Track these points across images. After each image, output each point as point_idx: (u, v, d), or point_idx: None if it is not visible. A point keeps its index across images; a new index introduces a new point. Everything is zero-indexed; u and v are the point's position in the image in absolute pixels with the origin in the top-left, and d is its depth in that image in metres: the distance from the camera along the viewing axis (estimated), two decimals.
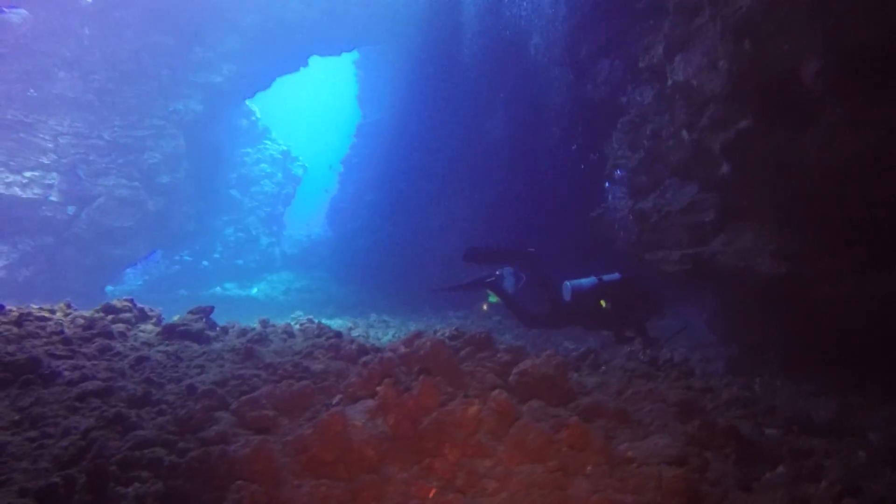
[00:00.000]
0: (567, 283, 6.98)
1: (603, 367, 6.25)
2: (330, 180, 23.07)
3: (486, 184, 18.01)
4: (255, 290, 19.35)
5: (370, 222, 19.51)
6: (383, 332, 11.26)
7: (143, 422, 2.73)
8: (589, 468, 2.40)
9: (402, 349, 3.61)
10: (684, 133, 6.40)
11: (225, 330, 4.95)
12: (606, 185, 10.26)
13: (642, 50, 7.26)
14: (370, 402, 2.66)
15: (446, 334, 5.14)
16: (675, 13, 5.88)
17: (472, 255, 7.33)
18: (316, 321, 9.54)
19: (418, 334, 3.90)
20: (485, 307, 16.05)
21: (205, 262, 19.91)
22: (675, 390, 4.30)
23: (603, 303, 6.71)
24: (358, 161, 20.16)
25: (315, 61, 19.39)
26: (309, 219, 27.09)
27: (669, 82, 6.22)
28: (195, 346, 3.97)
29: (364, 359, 3.23)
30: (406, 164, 18.47)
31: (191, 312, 4.78)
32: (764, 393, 5.41)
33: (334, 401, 2.83)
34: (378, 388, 2.70)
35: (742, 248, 6.72)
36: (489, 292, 14.90)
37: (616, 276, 7.01)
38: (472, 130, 17.60)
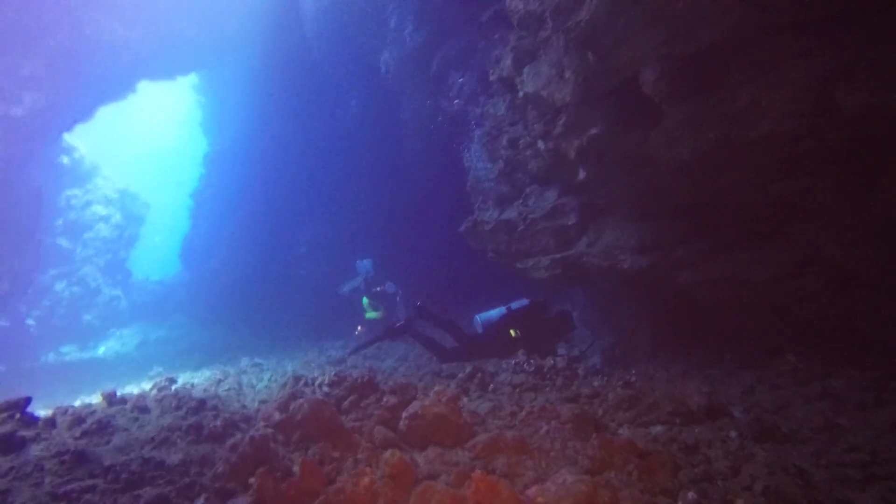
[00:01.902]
0: (477, 316, 7.17)
1: (491, 386, 6.16)
2: (179, 217, 21.13)
3: (350, 202, 17.60)
4: (101, 350, 17.03)
5: (230, 258, 18.13)
6: (258, 377, 10.31)
7: None
8: None
9: (277, 416, 3.15)
10: (540, 143, 6.57)
11: (51, 422, 4.02)
12: (470, 196, 10.39)
13: (492, 62, 7.38)
14: (243, 501, 2.20)
15: (325, 381, 4.71)
16: (519, 27, 6.01)
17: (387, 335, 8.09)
18: (177, 380, 8.50)
19: (293, 395, 3.44)
20: (360, 329, 15.52)
21: (30, 322, 17.02)
22: (566, 405, 4.28)
23: (512, 332, 6.86)
24: (210, 193, 18.65)
25: (151, 87, 17.60)
26: (162, 259, 24.61)
27: (521, 94, 6.36)
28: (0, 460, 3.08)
29: (232, 440, 2.72)
30: (262, 191, 17.44)
31: None
32: (642, 385, 5.64)
33: (199, 503, 2.31)
34: (251, 480, 2.25)
35: (605, 247, 7.07)
36: (366, 310, 14.51)
37: (524, 301, 7.24)
38: (328, 148, 17.10)
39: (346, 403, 3.79)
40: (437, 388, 3.80)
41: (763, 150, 4.60)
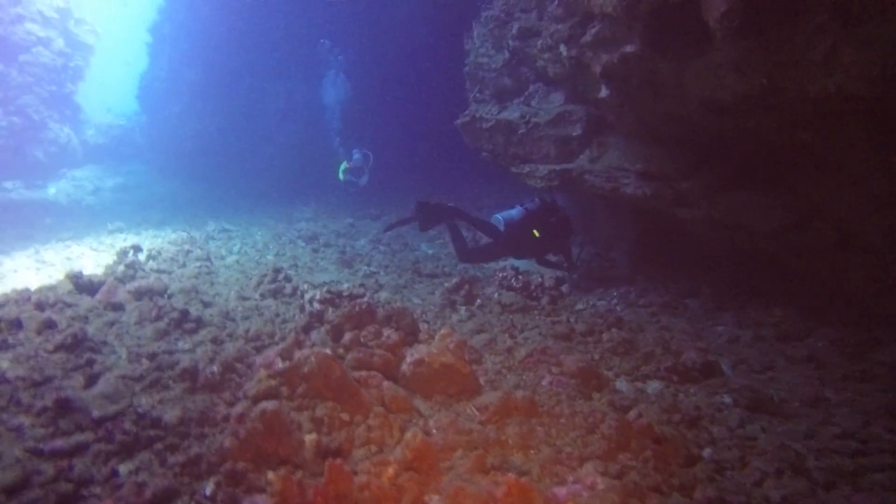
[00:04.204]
0: (498, 216, 6.81)
1: (478, 301, 6.11)
2: (136, 51, 18.97)
3: (330, 63, 16.21)
4: (52, 191, 16.03)
5: (193, 106, 16.74)
6: (226, 246, 10.00)
7: None
8: None
9: (280, 364, 2.92)
10: (563, 48, 5.88)
11: (16, 322, 3.68)
12: (466, 80, 9.57)
13: None
14: (261, 502, 2.02)
15: (316, 297, 4.47)
16: None
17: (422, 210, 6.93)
18: (142, 248, 8.08)
19: (297, 341, 3.19)
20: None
21: None
22: (567, 353, 4.23)
23: (536, 232, 6.61)
24: (171, 30, 16.63)
25: None
26: (118, 98, 22.52)
27: None
28: None
29: (238, 410, 2.46)
30: (232, 34, 15.67)
31: None
32: (630, 320, 5.68)
33: (207, 491, 2.11)
34: (271, 476, 2.06)
35: (608, 167, 6.72)
36: (340, 171, 13.97)
37: (535, 201, 6.93)
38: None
39: (345, 338, 3.59)
40: (442, 330, 3.62)
41: (813, 103, 4.20)
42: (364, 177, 13.87)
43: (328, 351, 2.91)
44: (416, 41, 13.76)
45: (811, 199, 5.41)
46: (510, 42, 8.05)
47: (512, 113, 7.83)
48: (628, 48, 5.03)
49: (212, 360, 2.94)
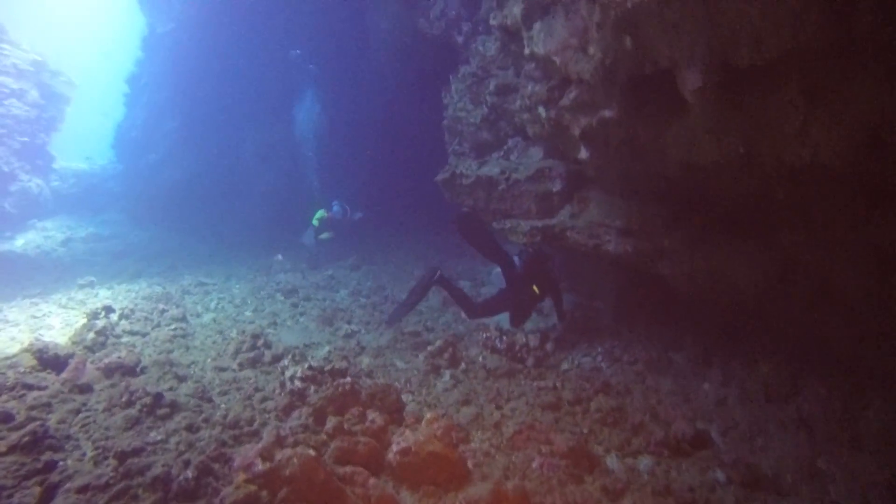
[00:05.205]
0: (499, 270, 6.82)
1: (463, 364, 5.99)
2: (113, 102, 18.89)
3: (308, 108, 16.35)
4: (20, 243, 15.59)
5: (171, 155, 16.63)
6: (203, 302, 9.73)
7: None
8: None
9: (259, 465, 2.76)
10: (541, 109, 5.97)
11: None
12: (444, 132, 9.67)
13: (494, 5, 6.50)
14: None
15: (298, 374, 4.32)
16: None
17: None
18: (115, 309, 7.86)
19: (279, 438, 3.04)
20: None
21: None
22: (556, 431, 4.12)
23: (536, 289, 6.66)
24: (148, 81, 16.64)
25: None
26: (94, 147, 22.28)
27: (527, 51, 5.64)
28: None
29: None
30: (210, 85, 15.72)
31: None
32: (614, 376, 5.59)
33: None
34: None
35: (589, 223, 6.75)
36: (315, 218, 13.87)
37: (528, 251, 7.00)
38: (288, 44, 15.48)
39: (329, 425, 3.44)
40: (428, 415, 3.50)
41: (789, 170, 4.29)
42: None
43: (311, 452, 2.77)
44: (395, 91, 14.01)
45: (790, 254, 5.47)
46: (488, 98, 8.18)
47: (492, 168, 7.88)
48: (607, 113, 5.10)
49: (186, 464, 2.77)
